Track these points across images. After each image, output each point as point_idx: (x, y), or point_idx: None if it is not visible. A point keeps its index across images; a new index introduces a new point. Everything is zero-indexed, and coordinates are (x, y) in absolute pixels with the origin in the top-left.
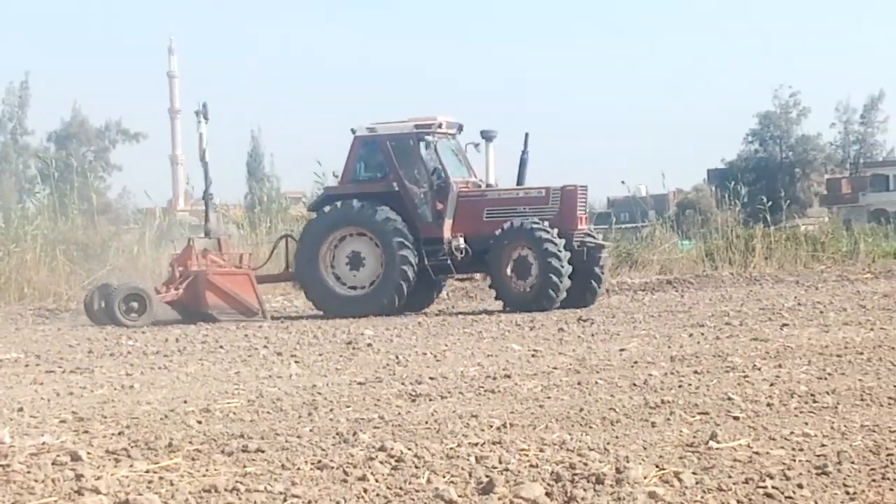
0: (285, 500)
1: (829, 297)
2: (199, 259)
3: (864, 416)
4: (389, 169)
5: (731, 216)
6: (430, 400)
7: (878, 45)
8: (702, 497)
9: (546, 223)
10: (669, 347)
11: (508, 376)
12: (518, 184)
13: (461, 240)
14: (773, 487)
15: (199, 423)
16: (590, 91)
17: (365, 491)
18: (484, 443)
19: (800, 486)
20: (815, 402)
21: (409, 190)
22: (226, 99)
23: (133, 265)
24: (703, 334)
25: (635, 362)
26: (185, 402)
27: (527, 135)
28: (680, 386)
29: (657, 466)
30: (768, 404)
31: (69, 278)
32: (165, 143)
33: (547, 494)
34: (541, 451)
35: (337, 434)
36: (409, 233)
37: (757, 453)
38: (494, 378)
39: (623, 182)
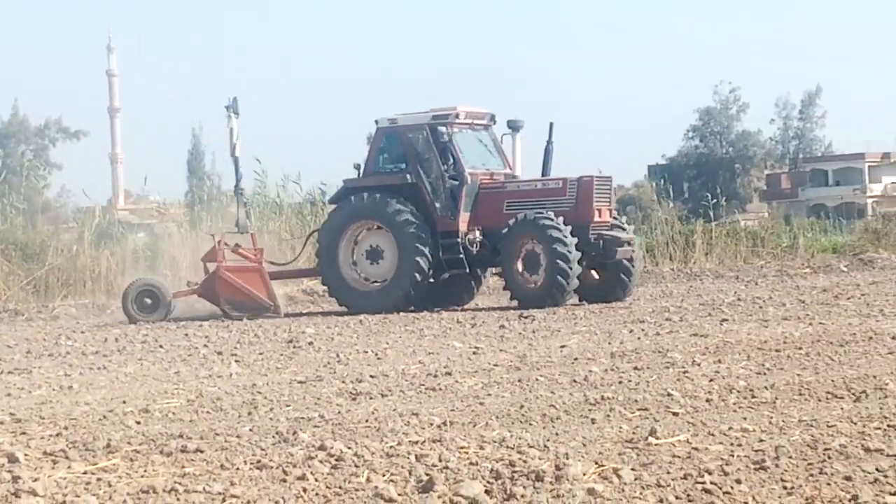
0: (224, 500)
1: (769, 292)
2: (227, 255)
3: (802, 411)
4: (408, 160)
5: (672, 212)
6: (371, 398)
7: (816, 42)
8: (640, 493)
9: (560, 216)
10: (610, 344)
11: (449, 374)
12: (543, 175)
13: (477, 233)
14: (711, 483)
15: (138, 423)
16: (531, 89)
17: (304, 490)
18: (424, 441)
19: (738, 481)
20: (753, 397)
21: (425, 182)
22: (167, 97)
23: (73, 265)
24: (643, 330)
25: (576, 359)
26: (124, 402)
27: (551, 124)
28: (620, 382)
29: (596, 463)
30: (707, 400)
31: (7, 279)
32: (105, 142)
33: (486, 492)
34: (481, 448)
35: (277, 433)
36: (424, 226)
37: (696, 449)
38: (435, 376)
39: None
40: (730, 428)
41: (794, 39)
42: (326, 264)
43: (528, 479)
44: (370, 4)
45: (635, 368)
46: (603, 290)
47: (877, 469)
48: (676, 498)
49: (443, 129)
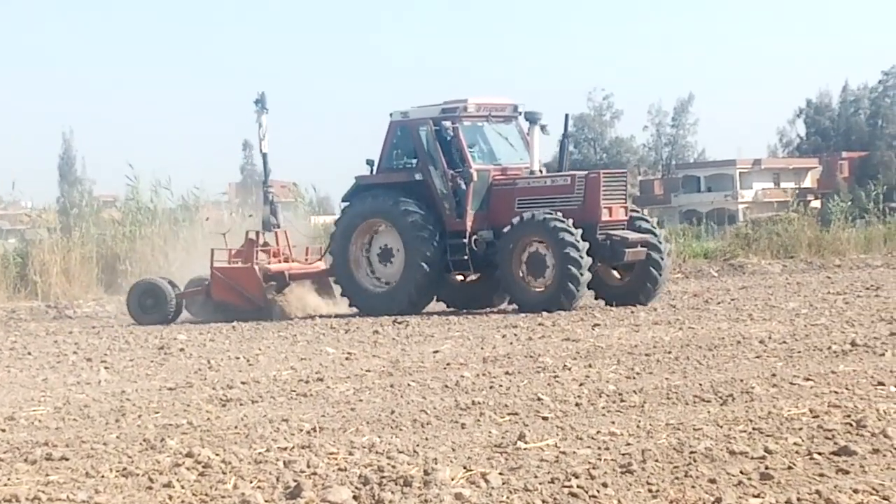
0: None
1: None
2: (259, 254)
3: (670, 415)
4: (418, 156)
5: None
6: (241, 404)
7: (688, 49)
8: (507, 497)
9: (568, 215)
10: (482, 349)
11: (321, 380)
12: (559, 170)
13: (485, 233)
14: (578, 486)
15: (3, 431)
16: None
17: (170, 498)
18: (293, 447)
19: (604, 484)
20: (622, 401)
21: (434, 179)
22: (35, 99)
23: None
24: (515, 335)
25: (448, 364)
26: None
27: (567, 116)
28: (491, 387)
29: (465, 468)
30: (577, 404)
31: None
32: None
33: (354, 498)
34: (350, 454)
35: (144, 440)
36: (431, 226)
37: (564, 453)
38: (307, 381)
39: None
40: (598, 432)
41: (667, 46)
42: (338, 264)
43: (396, 484)
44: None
45: (507, 373)
46: (625, 292)
47: (741, 472)
48: (543, 502)
49: (447, 122)
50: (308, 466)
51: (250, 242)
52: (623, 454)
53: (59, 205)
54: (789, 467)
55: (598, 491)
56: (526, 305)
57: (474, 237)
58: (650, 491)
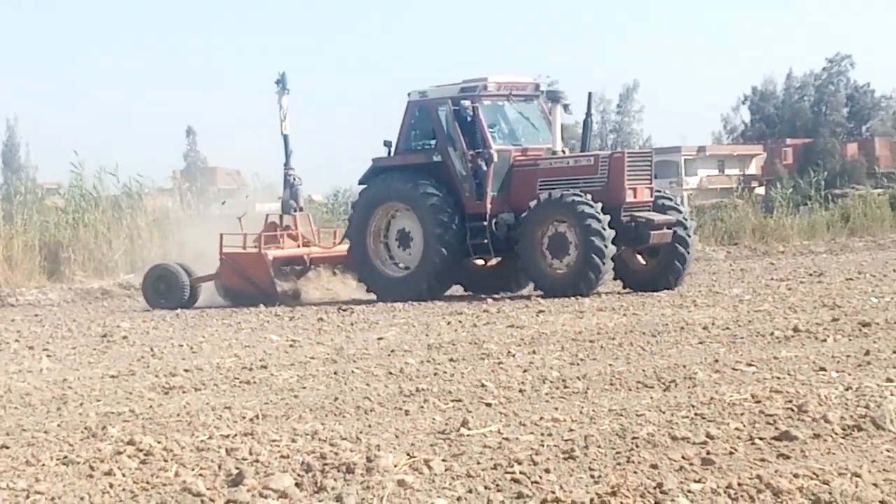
0: (28, 496)
1: None
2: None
3: (613, 401)
4: (437, 137)
5: None
6: (184, 392)
7: (632, 36)
8: (450, 484)
9: (590, 195)
10: (427, 335)
11: (265, 367)
12: (581, 150)
13: (505, 216)
14: (520, 472)
15: None
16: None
17: (111, 486)
18: (236, 434)
19: (547, 470)
20: (566, 387)
21: (453, 160)
22: None
23: None
24: (460, 322)
25: (392, 351)
26: None
27: (590, 95)
28: (435, 374)
29: (408, 454)
30: (520, 390)
31: None
32: None
33: (297, 485)
34: (293, 441)
35: (85, 428)
36: (450, 208)
37: (507, 439)
38: (250, 369)
39: None
40: (541, 418)
41: (611, 34)
42: (355, 249)
43: (338, 471)
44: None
45: (451, 360)
46: (651, 276)
47: (682, 457)
48: (486, 488)
49: (466, 102)
50: (250, 454)
51: (271, 226)
52: (566, 440)
53: (2, 192)
54: (731, 452)
55: (540, 477)
56: (548, 288)
57: (494, 220)
58: (592, 477)
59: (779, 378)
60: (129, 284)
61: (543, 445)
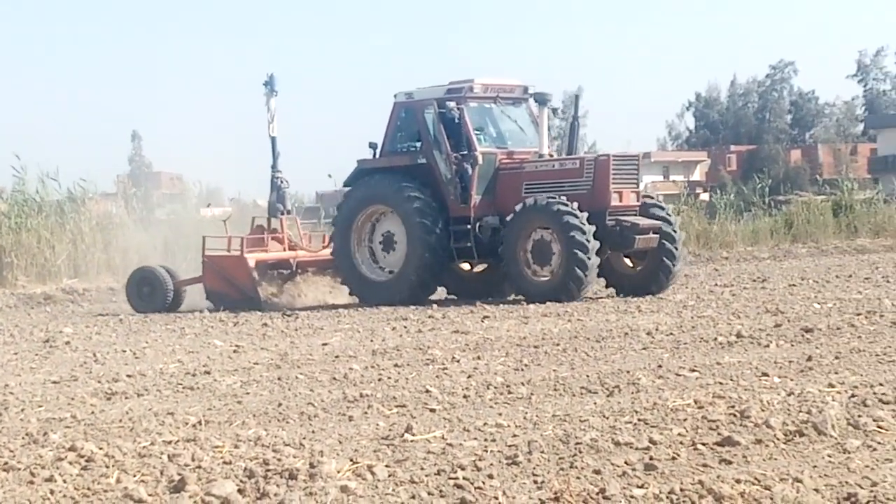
0: None
1: None
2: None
3: (557, 406)
4: (422, 139)
5: None
6: (127, 398)
7: (576, 42)
8: (393, 490)
9: (575, 200)
10: (372, 341)
11: (208, 373)
12: (568, 153)
13: (495, 219)
14: (463, 478)
15: None
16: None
17: (51, 492)
18: (178, 440)
19: (490, 476)
20: (510, 392)
21: (438, 162)
22: None
23: None
24: (405, 327)
25: (337, 356)
26: None
27: (577, 97)
28: (380, 379)
29: (351, 460)
30: (465, 396)
31: None
32: None
33: (239, 491)
34: (235, 447)
35: (26, 434)
36: (434, 211)
37: (450, 445)
38: (194, 374)
39: (330, 176)
40: (485, 424)
41: (557, 39)
42: (339, 252)
43: (281, 477)
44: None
45: (396, 366)
46: (639, 280)
47: (625, 462)
48: (429, 493)
49: (451, 103)
50: (193, 460)
51: (258, 229)
52: (509, 446)
53: None
54: (673, 458)
55: (483, 483)
56: (531, 295)
57: (479, 223)
58: (535, 482)
59: (722, 384)
60: (71, 289)
61: (487, 451)
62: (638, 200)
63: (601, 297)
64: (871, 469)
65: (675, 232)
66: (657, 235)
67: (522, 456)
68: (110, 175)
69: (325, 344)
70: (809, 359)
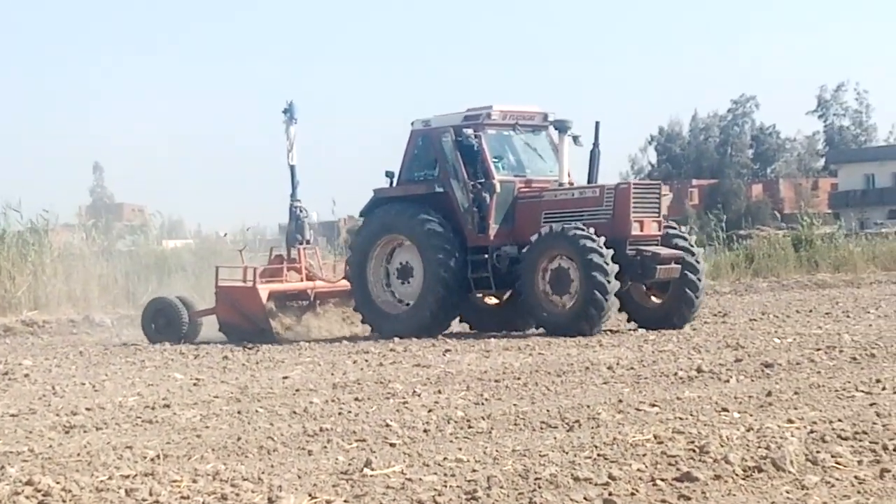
0: None
1: None
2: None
3: (517, 441)
4: (439, 167)
5: None
6: (85, 431)
7: (541, 76)
8: None
9: (594, 228)
10: (333, 374)
11: (168, 406)
12: (588, 181)
13: (514, 248)
14: None
15: None
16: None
17: None
18: (136, 475)
19: None
20: (470, 427)
21: (455, 191)
22: None
23: None
24: (367, 361)
25: (297, 390)
26: None
27: (597, 124)
28: (340, 413)
29: (310, 495)
30: (425, 430)
31: None
32: None
33: None
34: (194, 482)
35: None
36: (452, 240)
37: (410, 480)
38: (153, 408)
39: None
40: (445, 458)
41: (519, 68)
42: (355, 283)
43: None
44: None
45: (356, 399)
46: (662, 313)
47: (584, 498)
48: None
49: (468, 130)
50: (150, 494)
51: (277, 259)
52: (469, 481)
53: None
54: (632, 493)
55: None
56: (549, 325)
57: (497, 253)
58: None
59: (681, 419)
60: (31, 321)
61: (446, 486)
62: (660, 230)
63: (618, 331)
64: None
65: (697, 263)
66: (679, 266)
67: (482, 491)
68: (72, 206)
69: (285, 377)
70: (769, 394)
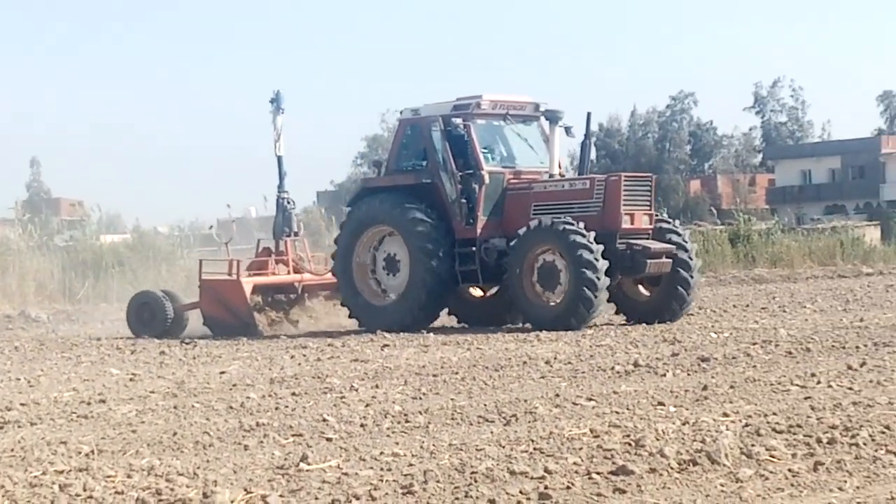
0: None
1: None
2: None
3: (454, 435)
4: (427, 157)
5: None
6: (19, 427)
7: (482, 72)
8: None
9: (584, 222)
10: (270, 369)
11: (103, 401)
12: (579, 173)
13: (501, 241)
14: None
15: None
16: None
17: None
18: (70, 470)
19: None
20: (407, 421)
21: (443, 182)
22: None
23: None
24: (305, 356)
25: (234, 385)
26: None
27: (589, 115)
28: (277, 408)
29: (245, 490)
30: (362, 425)
31: None
32: None
33: None
34: (128, 477)
35: None
36: (439, 232)
37: (346, 474)
38: (88, 403)
39: (228, 206)
40: (381, 453)
41: (456, 63)
42: (341, 274)
43: None
44: None
45: (293, 394)
46: (653, 307)
47: (520, 492)
48: None
49: (458, 120)
50: (84, 490)
51: (264, 251)
52: (405, 475)
53: None
54: (568, 487)
55: None
56: (538, 321)
57: (484, 245)
58: None
59: (618, 413)
60: None
61: (383, 480)
62: (651, 223)
63: (603, 325)
64: (763, 499)
65: (690, 259)
66: (670, 260)
67: (418, 485)
68: (8, 201)
69: (222, 372)
70: (705, 388)
